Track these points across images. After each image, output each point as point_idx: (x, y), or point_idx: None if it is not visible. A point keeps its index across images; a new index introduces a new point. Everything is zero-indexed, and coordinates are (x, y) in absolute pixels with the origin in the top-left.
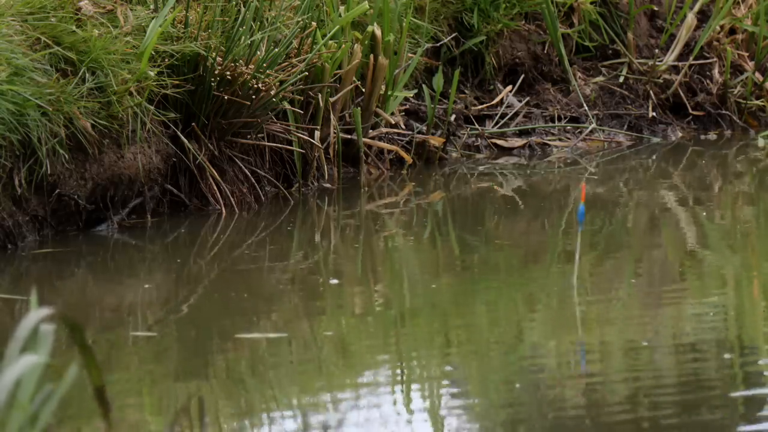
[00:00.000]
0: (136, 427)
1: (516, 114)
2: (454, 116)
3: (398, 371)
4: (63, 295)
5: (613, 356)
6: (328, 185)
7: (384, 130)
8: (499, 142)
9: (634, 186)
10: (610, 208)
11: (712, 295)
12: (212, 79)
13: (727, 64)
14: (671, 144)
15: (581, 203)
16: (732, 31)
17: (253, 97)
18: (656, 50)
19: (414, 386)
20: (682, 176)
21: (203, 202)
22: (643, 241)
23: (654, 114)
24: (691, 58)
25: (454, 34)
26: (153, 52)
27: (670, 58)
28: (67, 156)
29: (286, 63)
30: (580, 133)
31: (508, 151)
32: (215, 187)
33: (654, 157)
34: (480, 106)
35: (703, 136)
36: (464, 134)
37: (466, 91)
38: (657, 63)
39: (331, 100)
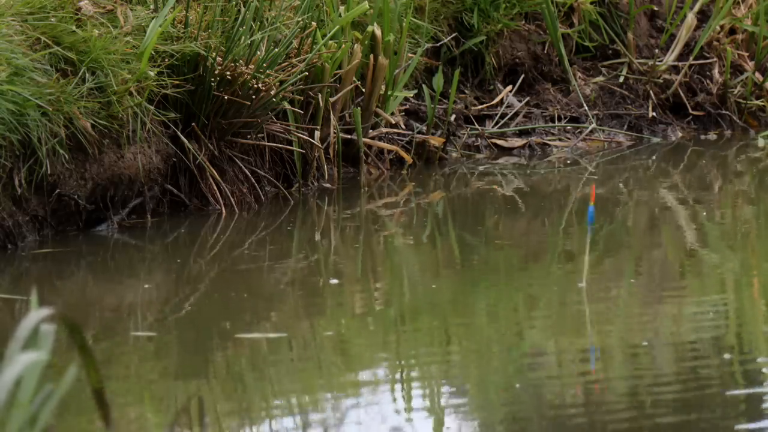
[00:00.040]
0: (136, 427)
1: (516, 114)
2: (454, 116)
3: (398, 371)
4: (63, 295)
5: (614, 356)
6: (328, 185)
7: (384, 130)
8: (499, 142)
9: (634, 186)
10: (610, 208)
11: (712, 294)
12: (212, 79)
13: (727, 64)
14: (671, 144)
15: (591, 204)
16: (732, 31)
17: (253, 97)
18: (656, 50)
19: (414, 386)
20: (682, 176)
21: (203, 202)
22: (643, 240)
23: (654, 114)
24: (691, 58)
25: (454, 34)
26: (153, 52)
27: (670, 58)
28: (67, 156)
29: (286, 63)
30: (580, 133)
31: (508, 151)
32: (215, 187)
33: (654, 157)
34: (480, 106)
35: (703, 136)
36: (464, 134)
37: (466, 91)
38: (657, 63)
39: (331, 100)
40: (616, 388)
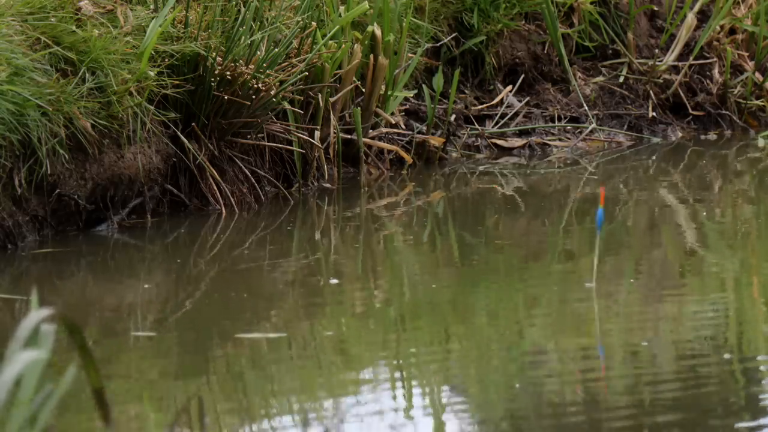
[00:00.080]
0: (137, 427)
1: (516, 114)
2: (454, 116)
3: (398, 371)
4: (63, 295)
5: (613, 356)
6: (328, 185)
7: (384, 130)
8: (499, 142)
9: (634, 186)
10: (610, 207)
11: (712, 294)
12: (212, 79)
13: (727, 64)
14: (671, 144)
15: (600, 207)
16: (732, 31)
17: (253, 97)
18: (656, 50)
19: (414, 386)
20: (682, 176)
21: (203, 202)
22: (643, 240)
23: (654, 114)
24: (691, 58)
25: (454, 34)
26: (153, 52)
27: (670, 58)
28: (67, 156)
29: (286, 63)
30: (580, 133)
31: (508, 151)
32: (215, 187)
33: (654, 157)
34: (480, 106)
35: (703, 136)
36: (464, 134)
37: (466, 91)
38: (657, 63)
39: (331, 100)
40: (616, 388)
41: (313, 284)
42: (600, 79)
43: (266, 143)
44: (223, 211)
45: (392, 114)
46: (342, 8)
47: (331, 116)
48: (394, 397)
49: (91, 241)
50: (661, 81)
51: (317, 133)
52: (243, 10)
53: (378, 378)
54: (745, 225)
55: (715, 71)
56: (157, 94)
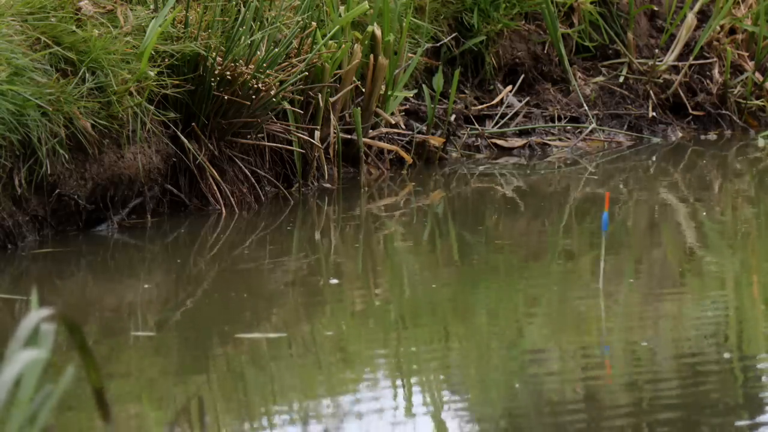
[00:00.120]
0: (137, 427)
1: (516, 114)
2: (454, 116)
3: (398, 371)
4: (63, 295)
5: (614, 356)
6: (328, 185)
7: (384, 130)
8: (499, 142)
9: (634, 186)
10: (610, 208)
11: (712, 294)
12: (212, 79)
13: (727, 64)
14: (671, 144)
15: (605, 211)
16: (732, 31)
17: (253, 97)
18: (656, 50)
19: (414, 386)
20: (683, 176)
21: (203, 202)
22: (643, 240)
23: (654, 114)
24: (691, 58)
25: (454, 34)
26: (153, 52)
27: (670, 58)
28: (67, 156)
29: (286, 63)
30: (580, 133)
31: (508, 151)
32: (215, 187)
33: (654, 157)
34: (480, 106)
35: (703, 136)
36: (464, 134)
37: (466, 91)
38: (657, 63)
39: (331, 100)
40: (616, 387)
41: (313, 284)
42: (600, 79)
43: (266, 143)
44: (223, 211)
45: (392, 114)
46: (342, 8)
47: (331, 116)
48: (394, 397)
49: (91, 241)
50: (661, 81)
51: (317, 133)
52: (243, 10)
53: (378, 378)
54: (745, 225)
55: (715, 71)
56: (157, 94)
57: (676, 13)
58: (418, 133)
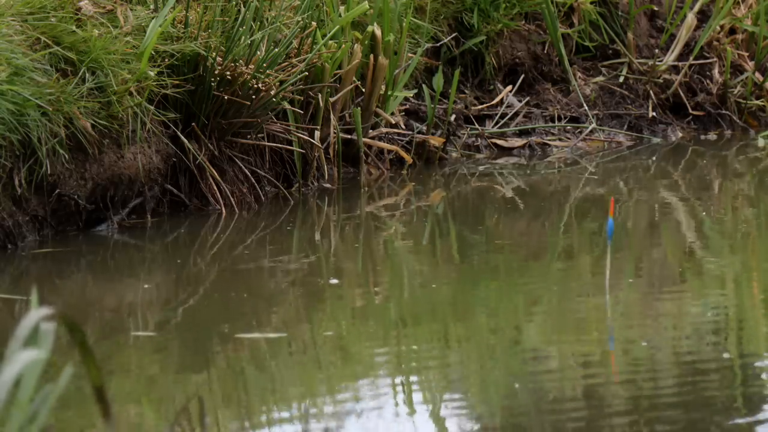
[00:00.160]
0: (136, 427)
1: (516, 114)
2: (454, 116)
3: (398, 371)
4: (63, 294)
5: (613, 355)
6: (328, 185)
7: (384, 130)
8: (499, 142)
9: (634, 186)
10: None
11: (712, 294)
12: (212, 79)
13: (727, 64)
14: (671, 144)
15: (610, 217)
16: (732, 31)
17: (253, 97)
18: (656, 50)
19: (414, 386)
20: (683, 176)
21: (203, 202)
22: (643, 240)
23: (654, 114)
24: (691, 58)
25: (454, 34)
26: (153, 52)
27: (670, 58)
28: (67, 156)
29: (286, 63)
30: (580, 133)
31: (508, 151)
32: (215, 187)
33: (654, 157)
34: (480, 106)
35: (703, 136)
36: (464, 134)
37: (466, 91)
38: (657, 63)
39: (331, 100)
40: (616, 387)
41: (313, 284)
42: (600, 79)
43: (266, 143)
44: (223, 211)
45: (392, 114)
46: (342, 8)
47: (331, 116)
48: (394, 397)
49: (91, 241)
50: (661, 81)
51: (317, 133)
52: (243, 10)
53: (378, 378)
54: (744, 225)
55: (715, 71)
56: (157, 94)
57: (676, 13)
58: (418, 133)
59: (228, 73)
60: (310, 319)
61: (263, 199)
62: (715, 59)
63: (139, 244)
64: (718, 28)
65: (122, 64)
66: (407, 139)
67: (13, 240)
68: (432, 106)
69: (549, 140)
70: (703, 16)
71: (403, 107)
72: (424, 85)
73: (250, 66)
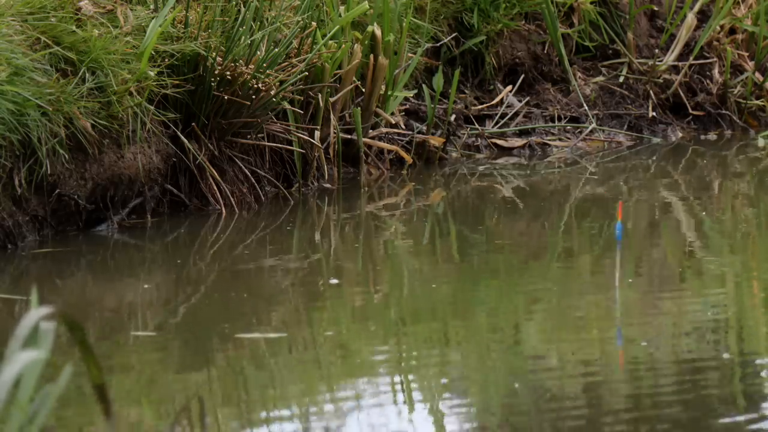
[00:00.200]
0: (137, 427)
1: (516, 114)
2: (454, 116)
3: (398, 371)
4: (63, 294)
5: (613, 355)
6: (328, 185)
7: (384, 130)
8: (499, 142)
9: (634, 186)
10: (610, 208)
11: (712, 294)
12: (212, 79)
13: (727, 64)
14: (671, 144)
15: (618, 221)
16: (732, 31)
17: (253, 97)
18: (656, 50)
19: (414, 386)
20: (683, 176)
21: (203, 202)
22: (643, 240)
23: (654, 114)
24: (691, 58)
25: (454, 34)
26: (153, 52)
27: (670, 58)
28: (67, 156)
29: (286, 63)
30: (580, 133)
31: (508, 151)
32: (215, 187)
33: (654, 157)
34: (480, 106)
35: (703, 136)
36: (464, 134)
37: (466, 91)
38: (657, 63)
39: (331, 100)
40: (616, 388)
41: (313, 284)
42: (600, 79)
43: (266, 143)
44: (223, 211)
45: (392, 114)
46: (342, 8)
47: (331, 116)
48: (394, 397)
49: (91, 241)
50: (661, 81)
51: (317, 133)
52: (243, 10)
53: (378, 377)
54: (744, 225)
55: (715, 71)
56: (157, 94)
57: (676, 13)
58: (418, 133)
59: (228, 73)
60: (310, 319)
61: (263, 199)
62: (715, 59)
63: (139, 244)
64: (718, 28)
65: (122, 64)
66: (407, 139)
67: (13, 240)
68: (432, 106)
69: (549, 140)
70: (703, 16)
71: (403, 107)
72: (424, 85)
73: (250, 66)
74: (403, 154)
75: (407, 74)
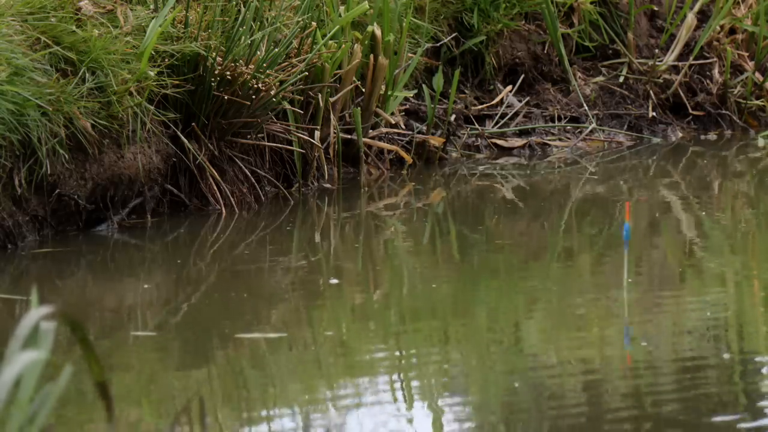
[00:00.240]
0: (136, 427)
1: (516, 114)
2: (454, 116)
3: (398, 371)
4: (63, 294)
5: (613, 355)
6: (328, 185)
7: (384, 130)
8: (499, 142)
9: (634, 185)
10: (610, 208)
11: (712, 294)
12: (212, 79)
13: (727, 64)
14: (671, 144)
15: (626, 222)
16: (732, 31)
17: (253, 97)
18: (656, 50)
19: (414, 385)
20: (683, 176)
21: (203, 202)
22: (643, 240)
23: (654, 114)
24: (691, 58)
25: (454, 34)
26: (153, 52)
27: (670, 58)
28: (67, 156)
29: (286, 63)
30: (580, 133)
31: (508, 151)
32: (215, 187)
33: (654, 157)
34: (480, 106)
35: (703, 136)
36: (464, 134)
37: (466, 91)
38: (657, 63)
39: (331, 100)
40: (616, 387)
41: (313, 284)
42: (600, 79)
43: (266, 143)
44: (223, 211)
45: (392, 114)
46: (342, 8)
47: (331, 116)
48: (394, 397)
49: (91, 241)
50: (661, 81)
51: (317, 133)
52: (243, 10)
53: (378, 377)
54: (744, 225)
55: (715, 71)
56: (157, 94)
57: (676, 13)
58: (418, 133)
59: (228, 73)
60: (310, 318)
61: (263, 199)
62: (715, 59)
63: (139, 244)
64: (718, 28)
65: (122, 64)
66: (407, 139)
67: (13, 240)
68: (432, 106)
69: (549, 140)
70: (703, 16)
71: (403, 107)
72: (424, 85)
73: (250, 66)
74: (403, 154)
75: (407, 74)
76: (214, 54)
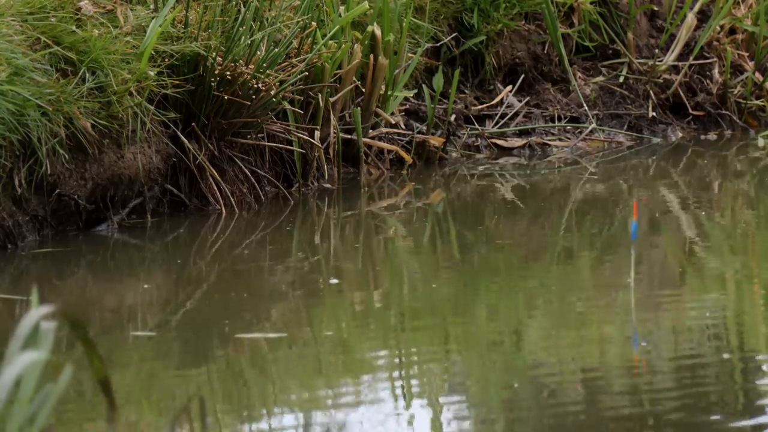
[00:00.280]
0: (137, 427)
1: (516, 114)
2: (454, 116)
3: (398, 370)
4: (63, 294)
5: (613, 355)
6: (328, 185)
7: (384, 130)
8: (499, 142)
9: (634, 185)
10: (609, 209)
11: (712, 294)
12: (212, 79)
13: (727, 64)
14: (671, 144)
15: (633, 220)
16: (732, 31)
17: (253, 97)
18: (656, 50)
19: (414, 385)
20: (683, 176)
21: (203, 202)
22: (643, 240)
23: (654, 114)
24: (691, 58)
25: (454, 34)
26: (153, 52)
27: (670, 58)
28: (67, 156)
29: (286, 63)
30: (580, 133)
31: (508, 151)
32: (215, 187)
33: (654, 157)
34: (480, 106)
35: (703, 136)
36: (464, 134)
37: (466, 91)
38: (657, 63)
39: (331, 100)
40: (616, 388)
41: (313, 284)
42: (600, 79)
43: (266, 143)
44: (223, 211)
45: (392, 114)
46: (342, 8)
47: (331, 116)
48: (394, 397)
49: (91, 241)
50: (661, 81)
51: (317, 133)
52: (243, 10)
53: (378, 377)
54: (744, 225)
55: (715, 71)
56: (157, 94)
57: (676, 13)
58: (418, 133)
59: (228, 73)
60: (310, 319)
61: (263, 199)
62: (715, 59)
63: (139, 244)
64: (718, 28)
65: (122, 64)
66: (407, 139)
67: (13, 240)
68: (432, 106)
69: (549, 140)
70: (703, 16)
71: (403, 107)
72: (424, 85)
73: (250, 66)
74: (403, 154)
75: (407, 74)
76: (214, 54)
